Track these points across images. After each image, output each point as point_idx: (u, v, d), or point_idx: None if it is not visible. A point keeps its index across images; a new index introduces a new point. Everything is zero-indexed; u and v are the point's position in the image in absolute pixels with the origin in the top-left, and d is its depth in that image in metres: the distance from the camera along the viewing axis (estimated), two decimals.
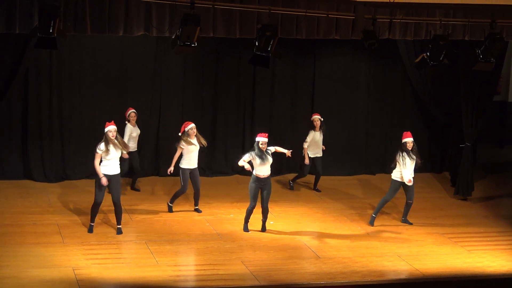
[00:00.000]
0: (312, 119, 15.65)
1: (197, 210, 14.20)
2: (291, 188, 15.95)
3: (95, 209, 12.77)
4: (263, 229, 13.35)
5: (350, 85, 17.33)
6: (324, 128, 15.67)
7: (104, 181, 12.47)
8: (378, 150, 17.41)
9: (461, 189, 15.77)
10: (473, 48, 13.18)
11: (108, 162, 12.57)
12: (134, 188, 15.41)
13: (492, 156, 18.93)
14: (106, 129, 12.61)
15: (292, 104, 17.06)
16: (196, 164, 14.01)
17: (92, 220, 12.85)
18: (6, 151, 15.60)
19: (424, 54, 13.13)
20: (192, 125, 13.88)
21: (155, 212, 14.06)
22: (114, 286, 10.94)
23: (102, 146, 12.51)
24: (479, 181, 16.52)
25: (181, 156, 13.90)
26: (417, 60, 13.50)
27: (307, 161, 15.60)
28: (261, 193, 13.14)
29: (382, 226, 13.86)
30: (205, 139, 14.16)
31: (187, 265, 11.80)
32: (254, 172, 13.05)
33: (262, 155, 12.93)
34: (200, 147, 13.99)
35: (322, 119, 15.61)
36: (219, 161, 16.78)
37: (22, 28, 11.54)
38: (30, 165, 15.70)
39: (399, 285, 11.62)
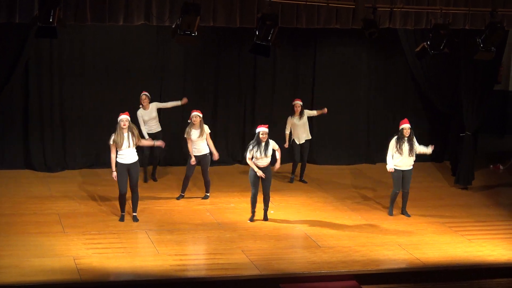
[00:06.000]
0: (293, 104, 15.55)
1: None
2: (291, 181, 15.81)
3: (121, 199, 12.98)
4: (265, 218, 13.37)
5: (351, 76, 17.29)
6: (304, 114, 15.56)
7: (114, 175, 12.57)
8: (378, 139, 17.38)
9: (462, 178, 15.76)
10: (473, 37, 13.16)
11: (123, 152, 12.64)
12: (153, 177, 15.38)
13: (492, 146, 18.91)
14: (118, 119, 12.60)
15: (293, 95, 17.02)
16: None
17: (122, 210, 13.02)
18: (7, 141, 15.62)
19: (425, 43, 13.12)
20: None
21: (156, 202, 14.07)
22: (114, 275, 10.95)
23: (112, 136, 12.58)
24: (479, 170, 16.51)
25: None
26: (418, 49, 13.49)
27: (286, 144, 15.50)
28: (261, 182, 13.16)
29: (382, 216, 13.87)
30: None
31: (187, 254, 11.81)
32: (254, 161, 13.08)
33: (261, 146, 12.94)
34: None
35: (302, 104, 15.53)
36: (220, 151, 16.71)
37: (22, 17, 11.51)
38: (31, 155, 15.72)
39: (399, 274, 11.63)
